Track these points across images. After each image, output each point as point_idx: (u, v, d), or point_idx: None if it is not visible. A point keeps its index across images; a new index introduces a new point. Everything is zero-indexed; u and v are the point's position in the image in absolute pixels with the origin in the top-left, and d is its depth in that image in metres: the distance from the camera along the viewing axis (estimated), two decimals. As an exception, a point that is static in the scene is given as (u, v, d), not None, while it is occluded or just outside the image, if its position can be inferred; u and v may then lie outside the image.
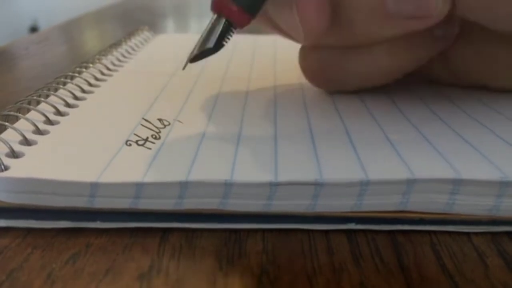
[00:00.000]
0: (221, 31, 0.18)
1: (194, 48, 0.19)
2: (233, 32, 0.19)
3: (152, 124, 0.20)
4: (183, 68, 0.19)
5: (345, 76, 0.23)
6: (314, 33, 0.19)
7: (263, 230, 0.15)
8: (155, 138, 0.18)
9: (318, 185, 0.15)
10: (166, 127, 0.19)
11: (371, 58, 0.21)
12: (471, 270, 0.14)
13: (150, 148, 0.17)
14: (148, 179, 0.15)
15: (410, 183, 0.15)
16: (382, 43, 0.21)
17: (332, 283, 0.13)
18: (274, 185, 0.15)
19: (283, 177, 0.15)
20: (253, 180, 0.15)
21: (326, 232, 0.15)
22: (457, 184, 0.15)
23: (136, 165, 0.16)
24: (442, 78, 0.24)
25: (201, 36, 0.19)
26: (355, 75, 0.23)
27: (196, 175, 0.15)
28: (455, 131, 0.19)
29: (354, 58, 0.22)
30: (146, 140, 0.18)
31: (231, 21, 0.18)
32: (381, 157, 0.17)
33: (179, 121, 0.20)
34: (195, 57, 0.19)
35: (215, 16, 0.19)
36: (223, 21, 0.18)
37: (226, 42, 0.19)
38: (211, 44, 0.18)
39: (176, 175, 0.15)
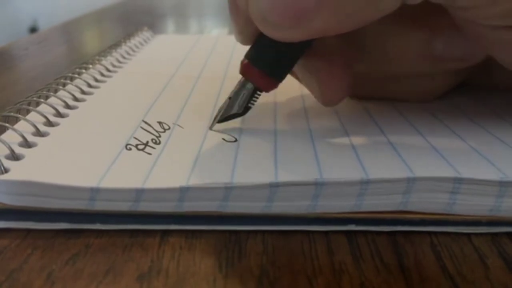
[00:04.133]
0: (249, 96, 0.19)
1: (222, 108, 0.19)
2: (259, 95, 0.19)
3: (152, 127, 0.19)
4: (210, 128, 0.19)
5: (369, 95, 0.23)
6: (332, 103, 0.20)
7: (263, 231, 0.15)
8: (155, 143, 0.18)
9: (318, 185, 0.15)
10: (166, 131, 0.19)
11: (400, 85, 0.22)
12: (471, 271, 0.14)
13: (150, 154, 0.17)
14: (148, 185, 0.15)
15: (411, 182, 0.15)
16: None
17: (332, 284, 0.13)
18: (274, 186, 0.15)
19: (283, 178, 0.15)
20: (253, 182, 0.15)
21: (326, 233, 0.15)
22: (457, 182, 0.15)
23: (136, 171, 0.16)
24: (481, 83, 0.24)
25: (229, 96, 0.19)
26: (381, 96, 0.23)
27: (196, 180, 0.15)
28: (456, 133, 0.19)
29: (383, 85, 0.22)
30: (146, 144, 0.18)
31: (257, 86, 0.19)
32: (381, 157, 0.17)
33: (179, 125, 0.20)
34: (223, 119, 0.19)
35: (243, 79, 0.19)
36: (250, 85, 0.19)
37: (253, 104, 0.19)
38: (240, 109, 0.19)
39: (176, 181, 0.15)
